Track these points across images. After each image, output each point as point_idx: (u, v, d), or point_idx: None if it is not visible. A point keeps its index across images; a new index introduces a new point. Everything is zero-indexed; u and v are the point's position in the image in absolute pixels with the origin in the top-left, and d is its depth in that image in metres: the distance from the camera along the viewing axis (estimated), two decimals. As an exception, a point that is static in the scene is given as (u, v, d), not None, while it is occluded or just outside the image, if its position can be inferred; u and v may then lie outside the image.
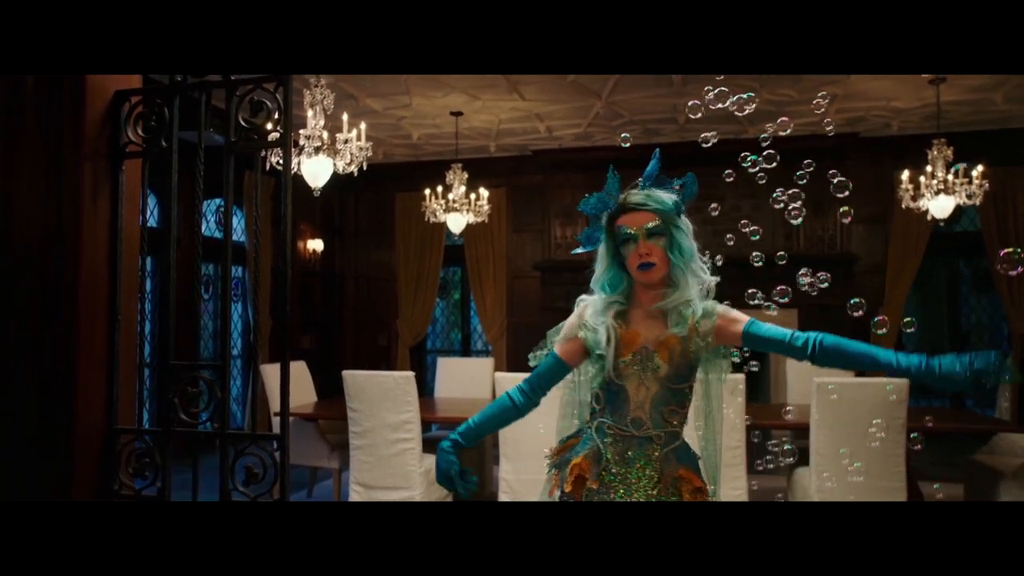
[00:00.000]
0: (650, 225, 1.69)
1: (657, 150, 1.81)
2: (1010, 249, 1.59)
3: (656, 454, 1.70)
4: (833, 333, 1.67)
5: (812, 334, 1.65)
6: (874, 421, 3.45)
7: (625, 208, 1.72)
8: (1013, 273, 1.58)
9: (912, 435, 1.92)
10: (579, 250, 1.84)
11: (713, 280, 1.75)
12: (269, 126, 1.98)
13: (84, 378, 1.93)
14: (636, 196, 1.72)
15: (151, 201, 5.81)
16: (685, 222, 1.74)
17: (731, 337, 1.72)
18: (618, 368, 1.71)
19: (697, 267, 1.73)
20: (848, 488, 3.60)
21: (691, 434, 1.82)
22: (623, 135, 2.04)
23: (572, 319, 1.80)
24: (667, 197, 1.72)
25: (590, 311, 1.77)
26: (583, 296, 1.82)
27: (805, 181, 1.83)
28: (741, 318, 1.72)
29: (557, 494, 1.79)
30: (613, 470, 1.71)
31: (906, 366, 1.53)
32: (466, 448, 1.81)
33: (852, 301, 1.81)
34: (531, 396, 1.82)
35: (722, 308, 1.73)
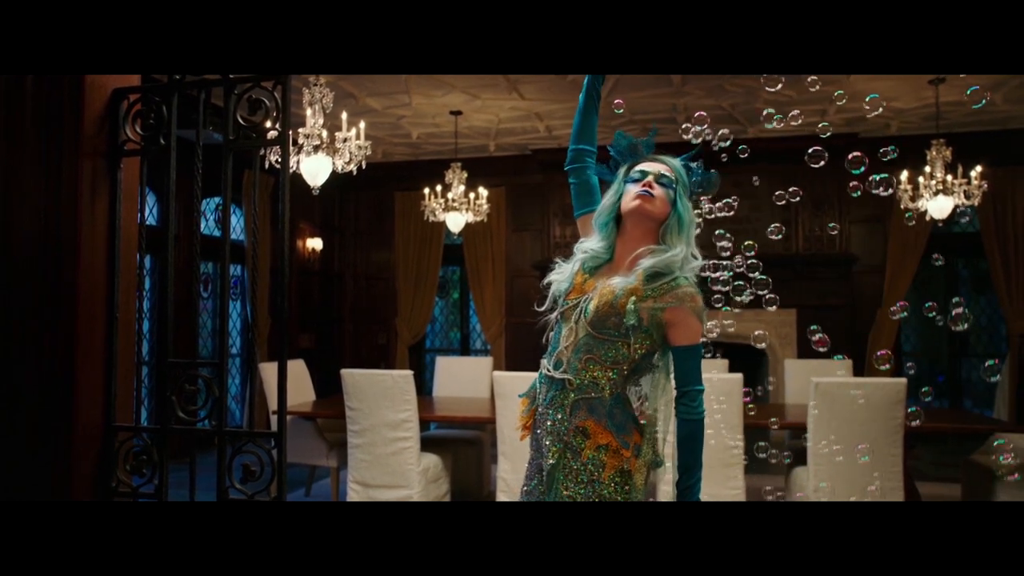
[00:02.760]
0: (665, 172, 1.76)
1: (654, 126, 1.87)
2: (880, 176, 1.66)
3: (568, 400, 1.72)
4: (832, 335, 1.70)
5: (694, 410, 1.68)
6: (870, 487, 3.48)
7: (644, 158, 1.81)
8: (877, 192, 1.59)
9: (911, 410, 1.92)
10: (579, 213, 1.90)
11: (698, 264, 1.75)
12: (268, 124, 1.98)
13: (82, 376, 1.93)
14: (658, 154, 1.82)
15: (149, 199, 5.81)
16: (690, 207, 1.78)
17: (672, 336, 1.70)
18: (563, 309, 1.77)
19: (692, 241, 1.74)
20: (846, 488, 3.61)
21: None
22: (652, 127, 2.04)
23: (583, 243, 1.85)
24: (683, 172, 1.80)
25: (575, 254, 1.83)
26: (578, 244, 1.87)
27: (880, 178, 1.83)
28: (692, 334, 1.68)
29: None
30: (540, 409, 1.78)
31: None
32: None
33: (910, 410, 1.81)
34: (588, 159, 1.88)
35: (692, 305, 1.68)
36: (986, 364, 1.84)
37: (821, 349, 1.82)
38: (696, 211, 1.84)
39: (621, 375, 1.72)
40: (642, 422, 1.75)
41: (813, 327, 1.85)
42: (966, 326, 1.63)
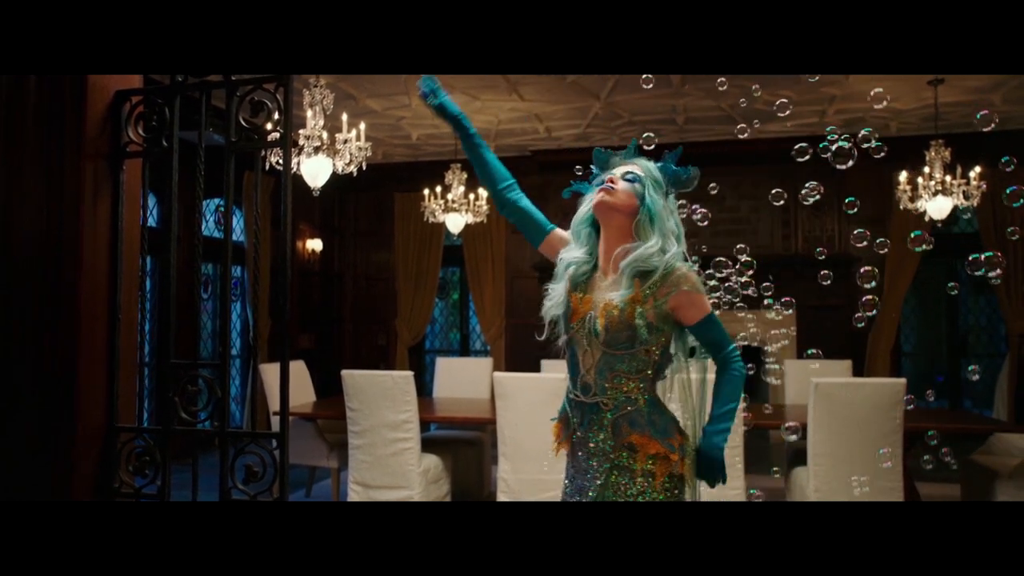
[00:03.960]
0: (630, 169, 1.77)
1: (634, 140, 1.88)
2: (869, 268, 1.67)
3: (606, 420, 1.70)
4: (831, 335, 1.68)
5: (738, 369, 1.71)
6: (880, 451, 3.46)
7: (614, 164, 1.82)
8: (992, 275, 1.58)
9: (929, 432, 1.94)
10: (571, 189, 1.90)
11: (680, 251, 1.74)
12: (269, 126, 1.99)
13: (85, 377, 1.93)
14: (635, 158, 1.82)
15: (150, 201, 5.81)
16: (671, 205, 1.78)
17: (683, 318, 1.71)
18: (569, 333, 1.76)
19: (667, 234, 1.72)
20: (845, 488, 3.61)
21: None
22: (646, 134, 2.03)
23: (563, 256, 1.83)
24: (656, 171, 1.79)
25: (556, 273, 1.82)
26: (561, 254, 1.85)
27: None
28: (700, 308, 1.70)
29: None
30: (578, 433, 1.75)
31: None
32: (443, 107, 1.83)
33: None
34: (510, 194, 1.86)
35: (689, 285, 1.69)
36: (969, 368, 1.89)
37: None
38: (680, 203, 1.84)
39: (648, 380, 1.72)
40: (676, 418, 1.75)
41: (810, 351, 1.89)
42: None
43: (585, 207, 1.80)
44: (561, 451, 1.85)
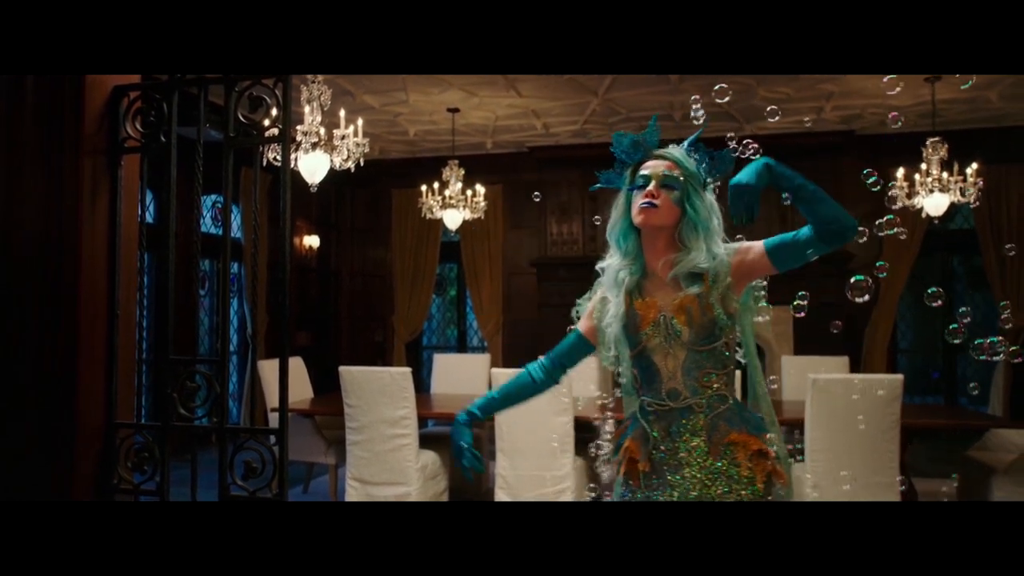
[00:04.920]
0: (666, 172, 1.65)
1: (655, 116, 1.79)
2: (860, 277, 1.61)
3: (700, 423, 1.62)
4: (828, 333, 1.66)
5: (804, 230, 1.58)
6: (859, 416, 3.47)
7: (648, 156, 1.70)
8: (860, 300, 1.57)
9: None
10: (597, 186, 1.79)
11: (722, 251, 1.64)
12: (267, 122, 1.99)
13: (84, 373, 1.93)
14: (661, 149, 1.71)
15: (148, 196, 5.79)
16: (710, 198, 1.68)
17: (754, 268, 1.63)
18: (641, 341, 1.65)
19: (712, 236, 1.65)
20: (842, 485, 3.62)
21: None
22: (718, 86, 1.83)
23: (593, 298, 1.77)
24: (691, 162, 1.69)
25: (604, 284, 1.72)
26: (600, 264, 1.76)
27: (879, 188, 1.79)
28: (755, 244, 1.63)
29: (619, 479, 1.73)
30: (662, 447, 1.64)
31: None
32: (481, 421, 1.78)
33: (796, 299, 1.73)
34: (551, 373, 1.80)
35: (731, 247, 1.64)
36: (971, 385, 1.83)
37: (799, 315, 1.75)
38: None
39: (732, 376, 1.68)
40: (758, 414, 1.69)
41: (799, 299, 1.74)
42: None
43: (620, 210, 1.71)
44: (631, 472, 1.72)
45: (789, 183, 1.53)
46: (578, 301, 1.84)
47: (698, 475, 1.60)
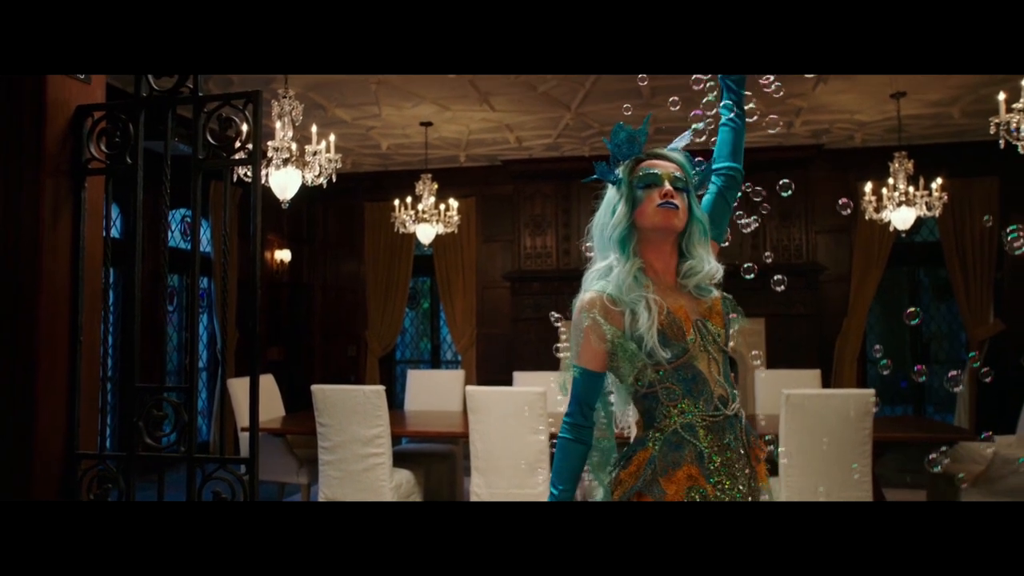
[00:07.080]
0: (677, 174, 1.58)
1: (650, 114, 1.75)
2: (913, 309, 1.66)
3: (740, 428, 1.55)
4: (800, 343, 1.65)
5: (711, 189, 1.71)
6: (824, 439, 3.51)
7: (650, 155, 1.62)
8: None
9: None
10: (593, 177, 1.65)
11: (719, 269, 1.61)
12: (237, 141, 1.94)
13: (44, 401, 1.86)
14: (663, 150, 1.65)
15: (114, 210, 5.67)
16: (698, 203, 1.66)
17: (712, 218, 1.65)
18: (688, 348, 1.51)
19: (707, 244, 1.61)
20: (816, 499, 3.64)
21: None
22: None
23: (582, 323, 1.54)
24: (688, 162, 1.65)
25: (611, 287, 1.53)
26: (593, 268, 1.60)
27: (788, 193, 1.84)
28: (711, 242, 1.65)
29: None
30: (717, 462, 1.50)
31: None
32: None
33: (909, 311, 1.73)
34: (587, 422, 1.57)
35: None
36: (949, 374, 1.75)
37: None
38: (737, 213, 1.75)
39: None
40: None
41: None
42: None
43: (623, 208, 1.57)
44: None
45: (738, 91, 1.72)
46: (561, 359, 1.69)
47: (743, 488, 1.51)
